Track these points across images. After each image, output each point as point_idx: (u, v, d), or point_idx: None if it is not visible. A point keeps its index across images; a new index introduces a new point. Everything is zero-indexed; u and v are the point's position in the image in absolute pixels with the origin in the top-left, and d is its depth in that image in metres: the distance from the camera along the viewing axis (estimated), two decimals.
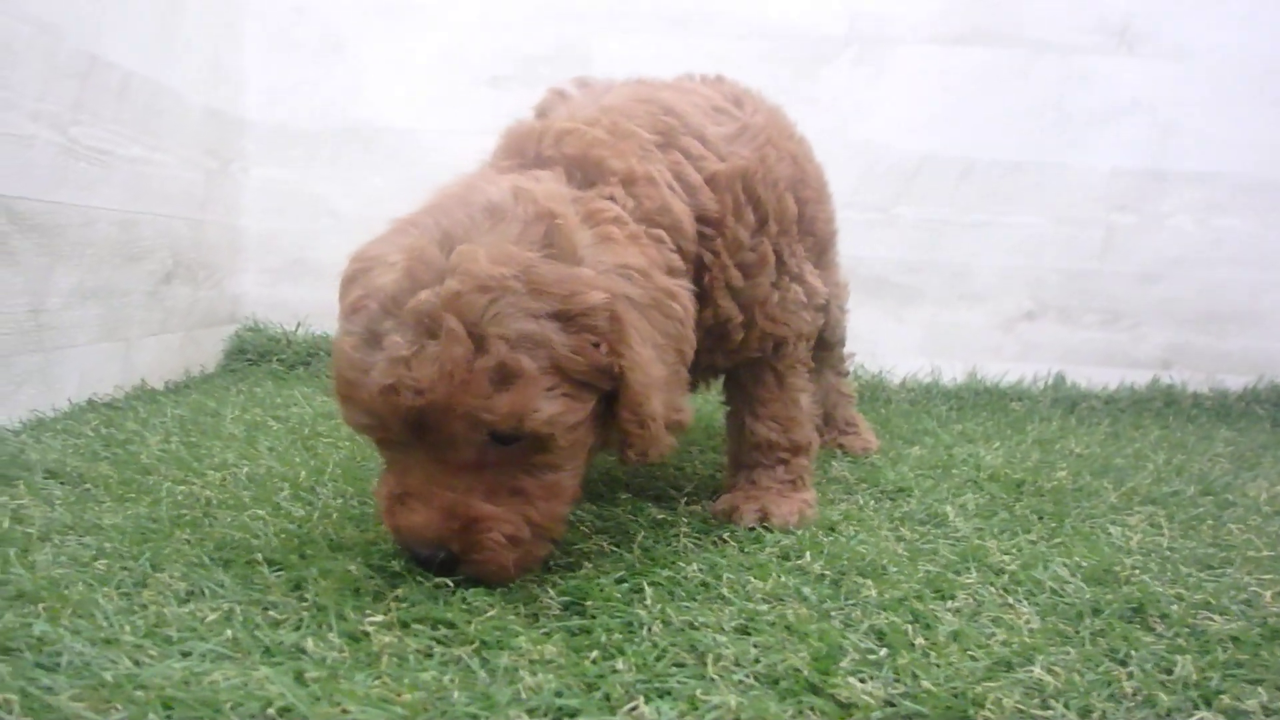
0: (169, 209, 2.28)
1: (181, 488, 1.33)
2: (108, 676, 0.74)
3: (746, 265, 1.27)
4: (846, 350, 2.02)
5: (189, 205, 2.40)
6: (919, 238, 2.95)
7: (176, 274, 2.33)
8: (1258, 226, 2.93)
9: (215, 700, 0.70)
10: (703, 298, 1.21)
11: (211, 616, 0.88)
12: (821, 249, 1.51)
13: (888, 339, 2.93)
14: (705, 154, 1.23)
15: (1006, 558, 1.18)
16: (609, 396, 1.01)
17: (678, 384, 1.09)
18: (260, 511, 1.22)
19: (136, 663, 0.77)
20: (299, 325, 2.80)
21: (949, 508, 1.43)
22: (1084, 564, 1.17)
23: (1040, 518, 1.42)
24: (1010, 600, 1.04)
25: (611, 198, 1.11)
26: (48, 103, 1.77)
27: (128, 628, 0.84)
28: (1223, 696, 0.82)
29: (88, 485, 1.33)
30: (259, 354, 2.68)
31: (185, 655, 0.80)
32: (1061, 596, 1.06)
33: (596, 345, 0.97)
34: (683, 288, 1.11)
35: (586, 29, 2.80)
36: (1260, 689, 0.84)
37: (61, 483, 1.35)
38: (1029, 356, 2.98)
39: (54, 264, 1.81)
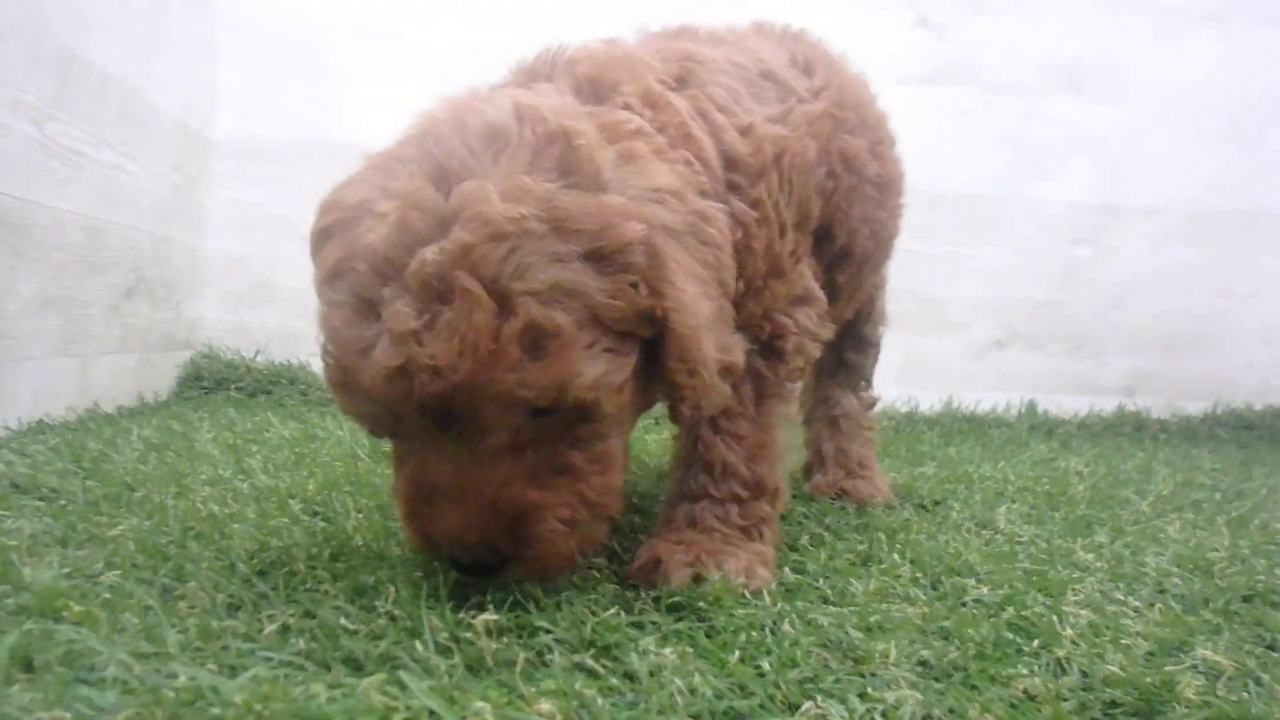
0: (135, 220, 2.13)
1: (179, 502, 1.19)
2: (168, 693, 0.62)
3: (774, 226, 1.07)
4: (874, 392, 1.72)
5: (154, 219, 2.25)
6: (892, 267, 2.94)
7: (138, 290, 2.17)
8: (1207, 255, 3.01)
9: (325, 714, 0.59)
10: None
11: (269, 628, 0.76)
12: (864, 260, 1.32)
13: None
14: (734, 109, 1.04)
15: (1090, 555, 1.14)
16: (649, 345, 0.86)
17: (724, 320, 0.92)
18: (283, 521, 1.09)
19: (194, 678, 0.65)
20: (258, 352, 2.64)
21: (996, 515, 1.38)
22: (1172, 561, 1.13)
23: (1089, 524, 1.38)
24: (1120, 594, 0.99)
25: (628, 107, 0.95)
26: (27, 93, 1.64)
27: (171, 641, 0.71)
28: None
29: (64, 501, 1.19)
30: (215, 381, 2.51)
31: (248, 669, 0.67)
32: (1170, 591, 1.01)
33: (635, 286, 0.81)
34: (717, 209, 0.93)
35: None
36: None
37: (37, 498, 1.20)
38: (1001, 384, 2.98)
39: (17, 265, 1.66)
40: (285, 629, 0.76)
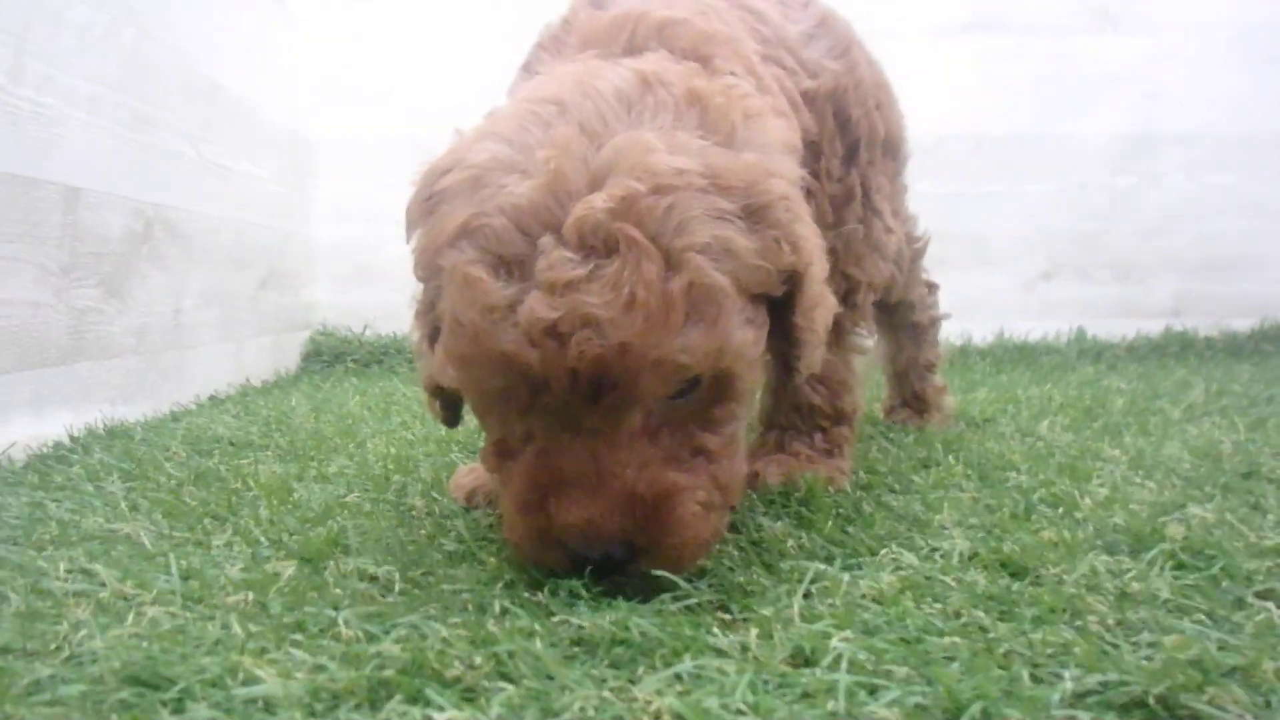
0: (264, 219, 2.46)
1: (361, 449, 1.47)
2: (436, 555, 0.89)
3: (835, 199, 1.14)
4: (942, 311, 1.82)
5: (277, 216, 2.58)
6: (939, 210, 3.14)
7: (270, 281, 2.49)
8: (1244, 179, 3.17)
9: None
10: None
11: (485, 522, 1.03)
12: (897, 171, 1.36)
13: None
14: (797, 68, 1.08)
15: (1117, 451, 1.36)
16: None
17: None
18: (454, 457, 1.37)
19: (454, 548, 0.92)
20: (366, 327, 2.95)
21: (1039, 427, 1.61)
22: (1185, 450, 1.35)
23: (1123, 429, 1.59)
24: (1137, 479, 1.20)
25: (733, 74, 0.95)
26: (186, 121, 1.94)
27: (424, 534, 0.98)
28: None
29: (272, 452, 1.47)
30: (334, 356, 2.84)
31: (479, 547, 0.94)
32: (1179, 473, 1.23)
33: (778, 242, 0.80)
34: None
35: None
36: None
37: (256, 450, 1.48)
38: (1050, 314, 3.17)
39: (189, 268, 1.97)
40: (495, 524, 1.03)
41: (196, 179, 2.01)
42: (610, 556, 0.76)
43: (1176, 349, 3.01)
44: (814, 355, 0.90)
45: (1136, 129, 3.16)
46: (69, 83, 1.49)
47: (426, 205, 0.82)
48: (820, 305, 0.88)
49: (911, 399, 1.73)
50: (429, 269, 0.81)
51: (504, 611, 0.72)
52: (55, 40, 1.46)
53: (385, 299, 2.96)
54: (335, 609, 0.72)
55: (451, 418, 0.98)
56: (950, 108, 3.11)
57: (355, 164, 2.95)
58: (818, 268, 0.86)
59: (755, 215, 0.79)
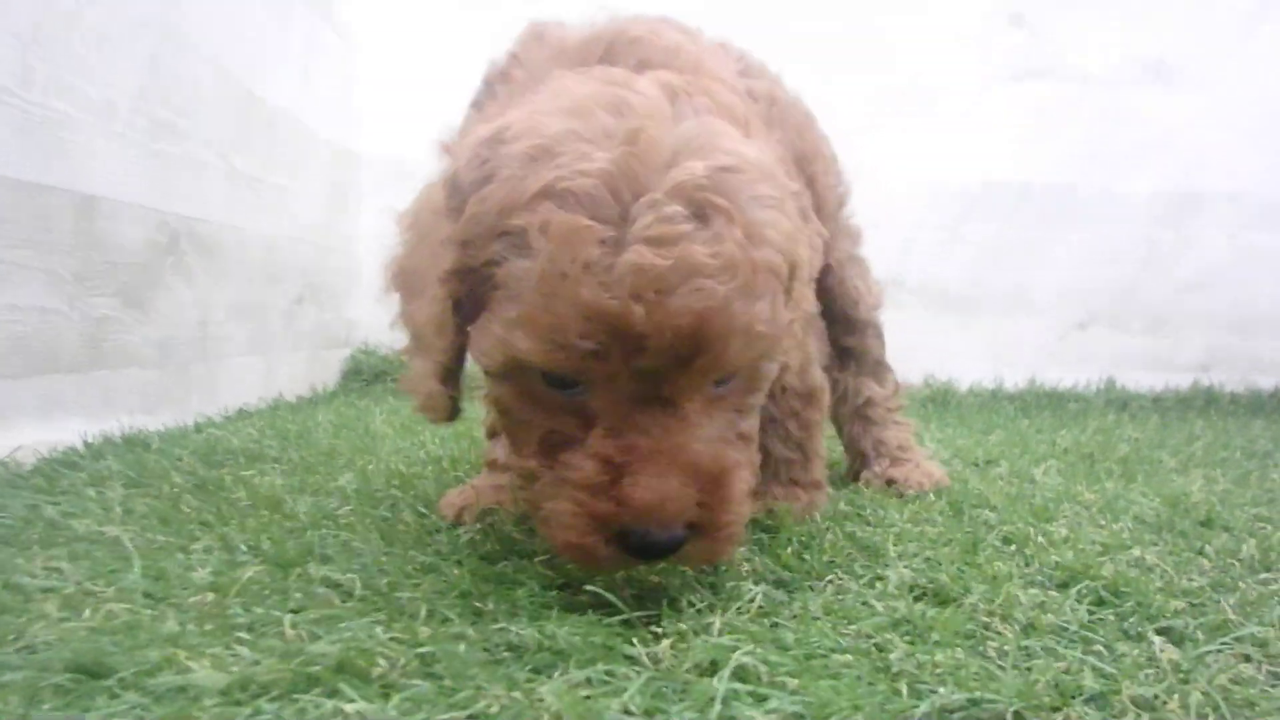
0: (301, 234, 2.54)
1: (373, 465, 1.54)
2: (412, 569, 0.94)
3: None
4: (900, 379, 1.57)
5: (316, 232, 2.66)
6: (981, 256, 3.18)
7: (306, 296, 2.58)
8: None
9: (513, 577, 0.91)
10: None
11: (464, 538, 1.08)
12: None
13: (955, 349, 3.13)
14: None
15: (1092, 496, 1.40)
16: None
17: None
18: (457, 475, 1.43)
19: (427, 561, 0.98)
20: None
21: (1035, 471, 1.64)
22: (1157, 498, 1.39)
23: (1112, 476, 1.63)
24: (1101, 521, 1.25)
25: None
26: (217, 133, 2.02)
27: (403, 545, 1.04)
28: None
29: (287, 464, 1.54)
30: (373, 375, 2.93)
31: (460, 559, 0.99)
32: (1141, 518, 1.27)
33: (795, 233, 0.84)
34: None
35: None
36: None
37: (267, 462, 1.56)
38: (1083, 363, 3.18)
39: (217, 281, 2.05)
40: (474, 540, 1.09)
41: (227, 191, 2.07)
42: (674, 539, 0.76)
43: (1202, 403, 3.03)
44: (794, 354, 0.94)
45: (1180, 186, 3.18)
46: (81, 88, 1.51)
47: (483, 170, 0.79)
48: (804, 301, 0.91)
49: (898, 450, 1.50)
50: (488, 234, 0.77)
51: (442, 619, 0.78)
52: (67, 44, 1.47)
53: None
54: (291, 611, 0.78)
55: (455, 407, 0.94)
56: (999, 155, 3.16)
57: (405, 181, 3.04)
58: (806, 269, 0.88)
59: (783, 206, 0.82)
